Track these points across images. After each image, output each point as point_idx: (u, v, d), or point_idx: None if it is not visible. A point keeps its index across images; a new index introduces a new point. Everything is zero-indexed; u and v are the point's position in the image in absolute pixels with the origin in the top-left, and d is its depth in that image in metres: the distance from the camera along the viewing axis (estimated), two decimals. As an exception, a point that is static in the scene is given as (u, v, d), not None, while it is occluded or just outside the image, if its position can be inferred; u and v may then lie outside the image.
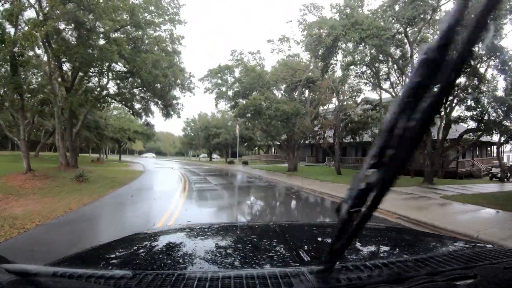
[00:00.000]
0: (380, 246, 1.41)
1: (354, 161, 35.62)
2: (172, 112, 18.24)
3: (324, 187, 13.76)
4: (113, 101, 18.81)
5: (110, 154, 52.58)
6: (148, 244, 1.40)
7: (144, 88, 15.18)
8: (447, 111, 16.63)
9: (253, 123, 20.66)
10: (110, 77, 15.44)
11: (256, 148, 60.76)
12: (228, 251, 1.25)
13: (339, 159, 29.87)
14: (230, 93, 23.92)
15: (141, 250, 1.30)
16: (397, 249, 1.37)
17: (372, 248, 1.37)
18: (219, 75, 23.62)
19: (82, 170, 13.20)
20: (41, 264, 0.92)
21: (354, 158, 36.89)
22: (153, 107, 18.86)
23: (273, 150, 56.70)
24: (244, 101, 18.58)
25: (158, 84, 13.03)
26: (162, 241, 1.46)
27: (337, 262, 0.79)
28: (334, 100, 29.31)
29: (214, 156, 58.03)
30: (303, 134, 22.62)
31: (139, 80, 14.73)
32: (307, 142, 29.96)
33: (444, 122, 17.15)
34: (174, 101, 18.44)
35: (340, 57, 17.95)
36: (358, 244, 1.29)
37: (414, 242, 1.49)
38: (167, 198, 9.86)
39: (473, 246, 1.32)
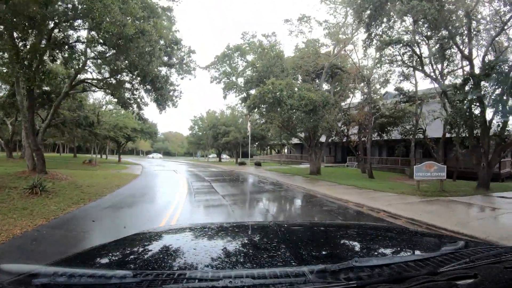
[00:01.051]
0: (381, 246, 1.38)
1: (379, 161, 31.25)
2: (166, 101, 14.42)
3: (372, 199, 9.93)
4: (95, 89, 15.18)
5: (111, 155, 49.55)
6: (149, 244, 1.41)
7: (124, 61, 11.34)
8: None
9: (270, 117, 16.71)
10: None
11: (267, 148, 56.79)
12: (229, 251, 1.22)
13: (363, 159, 25.97)
14: (241, 81, 20.15)
15: (142, 250, 1.29)
16: (397, 249, 1.36)
17: (373, 247, 1.34)
18: (227, 59, 19.86)
19: (40, 177, 9.60)
20: (42, 264, 0.89)
21: (378, 158, 32.52)
22: (145, 97, 15.10)
23: (286, 150, 53.02)
24: (259, 89, 14.74)
25: (133, 44, 9.18)
26: (162, 241, 1.46)
27: (338, 262, 0.80)
28: (358, 92, 25.37)
29: (224, 156, 54.49)
30: (331, 129, 18.60)
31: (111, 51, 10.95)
32: (330, 139, 25.86)
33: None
34: (171, 87, 14.60)
35: (381, 30, 14.05)
36: (358, 244, 1.36)
37: (414, 242, 1.51)
38: (149, 224, 6.17)
39: (473, 245, 1.21)
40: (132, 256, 1.23)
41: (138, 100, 15.34)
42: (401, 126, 24.15)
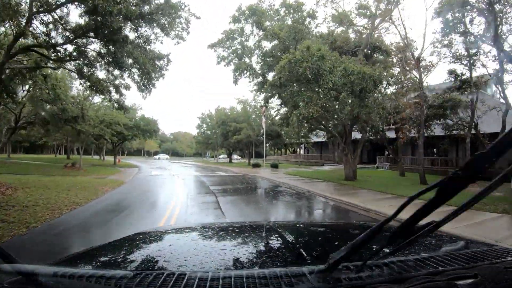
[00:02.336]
0: (380, 246, 1.22)
1: (412, 161, 25.90)
2: (150, 78, 9.96)
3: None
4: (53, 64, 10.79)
5: (112, 156, 45.87)
6: (149, 244, 1.40)
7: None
8: None
9: (296, 102, 11.86)
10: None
11: (283, 148, 51.97)
12: (229, 251, 1.22)
13: (401, 159, 21.15)
14: (255, 61, 15.60)
15: (142, 250, 1.30)
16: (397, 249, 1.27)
17: (372, 247, 1.26)
18: (236, 33, 15.33)
19: None
20: (42, 264, 0.87)
21: (411, 157, 27.17)
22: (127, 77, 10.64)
23: (303, 150, 48.43)
24: (287, 57, 9.90)
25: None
26: (162, 241, 1.46)
27: (338, 262, 0.79)
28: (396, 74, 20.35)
29: (234, 157, 50.13)
30: (383, 120, 13.81)
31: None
32: (368, 135, 21.00)
33: None
34: (154, 56, 9.99)
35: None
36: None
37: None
38: None
39: (473, 246, 1.23)
40: (132, 256, 1.21)
41: (117, 82, 10.92)
42: (448, 119, 19.38)
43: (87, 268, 1.04)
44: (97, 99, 20.25)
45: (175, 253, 1.21)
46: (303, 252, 1.12)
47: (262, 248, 1.28)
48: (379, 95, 11.23)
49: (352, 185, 14.28)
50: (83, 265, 1.12)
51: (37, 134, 27.71)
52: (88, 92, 16.08)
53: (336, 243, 1.46)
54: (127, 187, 12.65)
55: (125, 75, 10.61)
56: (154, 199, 9.67)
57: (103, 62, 9.66)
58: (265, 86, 15.07)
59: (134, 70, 9.93)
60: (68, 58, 9.82)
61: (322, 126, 17.13)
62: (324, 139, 35.46)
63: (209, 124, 44.51)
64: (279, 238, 1.40)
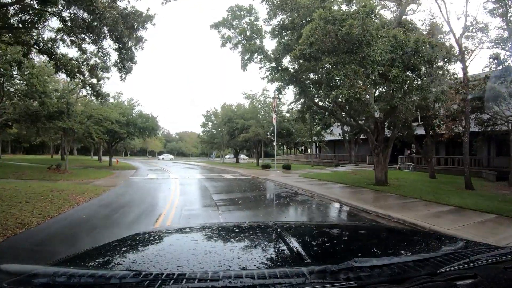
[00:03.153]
0: (380, 246, 1.40)
1: (436, 161, 22.70)
2: (130, 54, 7.33)
3: None
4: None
5: (115, 156, 43.47)
6: (149, 244, 1.40)
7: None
8: None
9: (340, 74, 8.67)
10: None
11: (292, 147, 49.00)
12: (229, 251, 1.23)
13: (430, 159, 18.28)
14: (267, 42, 12.81)
15: (142, 250, 1.29)
16: (397, 249, 1.35)
17: (372, 248, 1.35)
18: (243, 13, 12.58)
19: None
20: (42, 265, 0.89)
21: (435, 157, 23.95)
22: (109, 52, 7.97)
23: (314, 149, 45.56)
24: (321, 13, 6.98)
25: None
26: (162, 241, 1.46)
27: (337, 262, 0.80)
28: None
29: (241, 156, 47.45)
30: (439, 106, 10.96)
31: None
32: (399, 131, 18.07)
33: None
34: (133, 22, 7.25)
35: None
36: (358, 244, 1.38)
37: (414, 242, 1.50)
38: None
39: (473, 246, 1.27)
40: (132, 256, 1.21)
41: (92, 61, 8.26)
42: (486, 112, 16.73)
43: (87, 268, 1.02)
44: (85, 91, 17.69)
45: (175, 253, 1.20)
46: (303, 252, 1.08)
47: (262, 248, 1.26)
48: (439, 72, 8.33)
49: (388, 191, 11.47)
50: (83, 265, 1.10)
51: (29, 133, 25.38)
52: (71, 82, 13.71)
53: (337, 243, 1.46)
54: (107, 197, 10.02)
55: (100, 49, 7.93)
56: (132, 218, 6.97)
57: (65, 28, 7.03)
58: (278, 72, 12.33)
59: (107, 43, 7.32)
60: (20, 25, 7.20)
61: (350, 120, 14.24)
62: (339, 137, 32.55)
63: (215, 122, 41.87)
64: (279, 238, 1.36)
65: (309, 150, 48.14)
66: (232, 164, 35.13)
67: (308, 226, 2.02)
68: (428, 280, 0.72)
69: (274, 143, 25.15)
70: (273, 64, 13.21)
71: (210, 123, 42.74)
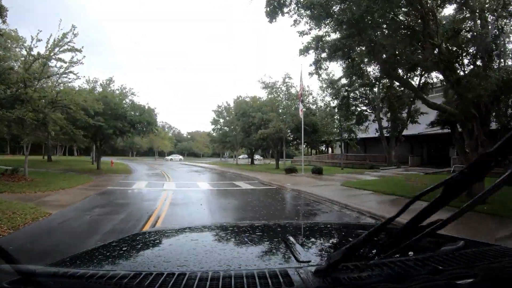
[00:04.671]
0: (381, 246, 1.27)
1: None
2: None
3: None
4: None
5: (118, 156, 39.30)
6: (149, 244, 1.39)
7: None
8: None
9: None
10: None
11: (310, 147, 43.42)
12: (229, 250, 1.23)
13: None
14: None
15: (142, 250, 1.28)
16: (397, 249, 1.24)
17: (373, 247, 1.20)
18: None
19: None
20: (42, 265, 0.88)
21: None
22: None
23: (338, 149, 39.93)
24: None
25: None
26: (162, 241, 1.45)
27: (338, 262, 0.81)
28: None
29: (256, 157, 42.52)
30: None
31: None
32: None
33: None
34: None
35: None
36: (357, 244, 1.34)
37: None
38: None
39: (473, 245, 1.19)
40: (132, 256, 1.20)
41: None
42: None
43: (87, 268, 1.02)
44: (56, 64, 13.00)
45: (175, 253, 1.19)
46: (304, 252, 1.07)
47: (262, 247, 1.25)
48: None
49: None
50: (83, 265, 1.10)
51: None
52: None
53: (337, 243, 1.44)
54: (16, 237, 5.22)
55: None
56: None
57: None
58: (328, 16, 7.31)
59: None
60: None
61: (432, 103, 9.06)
62: (376, 134, 26.94)
63: (227, 118, 37.11)
64: (279, 238, 1.36)
65: (330, 150, 42.72)
66: (247, 166, 30.13)
67: (309, 225, 2.02)
68: (428, 280, 0.71)
69: (302, 141, 19.96)
70: (322, 11, 8.11)
71: (221, 120, 38.02)
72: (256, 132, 23.42)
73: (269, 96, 25.48)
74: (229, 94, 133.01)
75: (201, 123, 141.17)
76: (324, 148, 46.83)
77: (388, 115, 25.02)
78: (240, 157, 44.85)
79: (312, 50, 10.65)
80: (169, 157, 52.11)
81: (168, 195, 10.20)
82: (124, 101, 17.88)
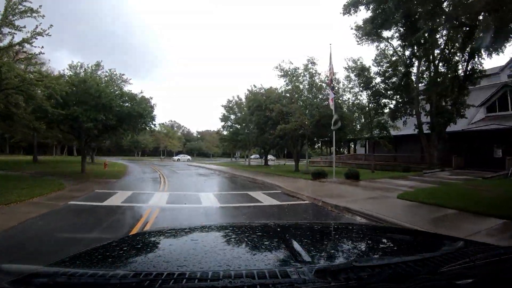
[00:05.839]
0: (380, 246, 1.39)
1: None
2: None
3: None
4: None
5: (124, 156, 35.73)
6: (149, 244, 1.38)
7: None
8: None
9: None
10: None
11: (333, 146, 39.18)
12: (229, 250, 1.21)
13: None
14: None
15: (142, 250, 1.27)
16: (397, 249, 1.36)
17: (373, 248, 1.34)
18: None
19: None
20: (42, 265, 0.87)
21: None
22: None
23: (352, 149, 36.08)
24: None
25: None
26: (162, 241, 1.45)
27: (338, 262, 0.79)
28: None
29: (269, 157, 38.74)
30: None
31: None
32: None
33: None
34: None
35: None
36: (358, 244, 1.36)
37: (414, 242, 1.50)
38: None
39: (473, 245, 1.23)
40: (132, 256, 1.18)
41: None
42: None
43: (87, 268, 1.00)
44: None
45: (175, 253, 1.19)
46: (303, 252, 1.05)
47: (262, 248, 1.23)
48: None
49: None
50: (83, 265, 1.08)
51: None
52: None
53: (337, 243, 1.43)
54: None
55: None
56: None
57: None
58: None
59: None
60: None
61: None
62: (414, 131, 22.63)
63: (238, 115, 33.35)
64: (279, 238, 1.35)
65: (346, 150, 38.34)
66: (261, 168, 26.18)
67: (308, 226, 1.99)
68: (428, 280, 0.71)
69: (334, 138, 15.90)
70: None
71: (232, 116, 34.31)
72: (274, 128, 19.46)
73: (287, 88, 21.43)
74: (241, 90, 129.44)
75: (212, 124, 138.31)
76: (341, 148, 42.31)
77: (427, 108, 21.26)
78: (252, 157, 41.05)
79: (363, 6, 6.89)
80: (176, 157, 48.71)
81: (148, 220, 6.43)
82: (110, 88, 14.11)
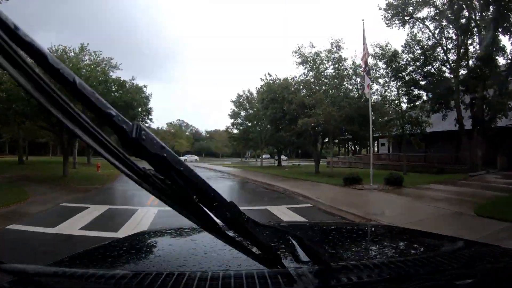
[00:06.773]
0: (380, 246, 1.37)
1: None
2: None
3: None
4: None
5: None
6: (149, 244, 1.40)
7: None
8: None
9: None
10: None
11: (358, 145, 35.51)
12: (229, 250, 1.13)
13: None
14: None
15: (142, 250, 1.29)
16: (397, 249, 1.35)
17: (372, 247, 1.34)
18: None
19: None
20: (42, 265, 0.86)
21: None
22: None
23: (374, 148, 32.32)
24: None
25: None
26: (162, 241, 1.47)
27: (338, 262, 0.78)
28: None
29: (281, 157, 35.79)
30: None
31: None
32: None
33: None
34: None
35: None
36: (358, 244, 1.34)
37: (414, 241, 1.49)
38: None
39: (473, 245, 1.21)
40: (132, 256, 1.19)
41: None
42: None
43: (87, 268, 1.00)
44: None
45: (174, 253, 1.19)
46: (304, 252, 1.00)
47: None
48: None
49: None
50: (83, 265, 1.09)
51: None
52: None
53: (337, 243, 1.43)
54: None
55: None
56: None
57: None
58: None
59: None
60: None
61: None
62: (455, 126, 19.31)
63: (249, 111, 30.41)
64: (279, 238, 1.32)
65: (364, 150, 34.77)
66: (275, 170, 23.11)
67: (308, 226, 2.00)
68: (428, 280, 0.72)
69: (371, 132, 12.78)
70: None
71: (242, 112, 31.39)
72: (291, 124, 16.39)
73: (307, 77, 18.28)
74: (253, 86, 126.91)
75: (221, 124, 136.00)
76: (367, 147, 38.62)
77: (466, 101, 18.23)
78: (264, 157, 38.09)
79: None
80: (183, 158, 46.08)
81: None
82: (92, 73, 11.29)
